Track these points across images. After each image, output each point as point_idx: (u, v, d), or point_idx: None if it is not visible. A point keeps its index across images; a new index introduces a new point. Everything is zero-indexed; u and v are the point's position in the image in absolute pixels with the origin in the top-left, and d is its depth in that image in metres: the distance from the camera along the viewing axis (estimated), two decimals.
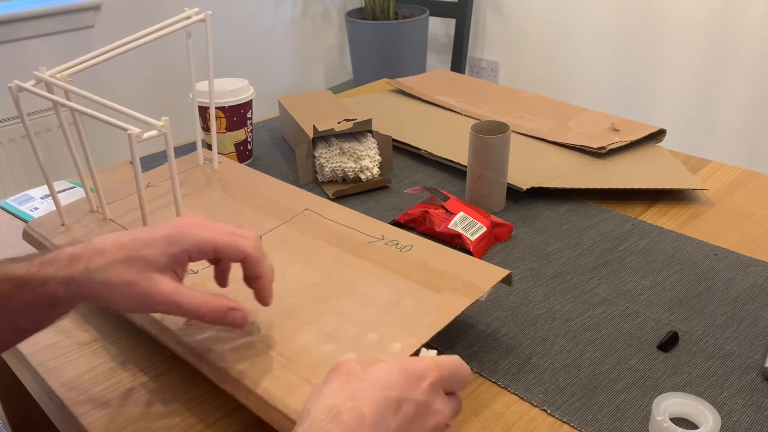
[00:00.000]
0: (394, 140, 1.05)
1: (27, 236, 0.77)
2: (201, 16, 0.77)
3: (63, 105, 0.65)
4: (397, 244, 0.68)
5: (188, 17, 0.76)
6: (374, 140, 0.97)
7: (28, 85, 0.67)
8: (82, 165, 0.75)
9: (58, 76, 0.67)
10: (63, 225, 0.76)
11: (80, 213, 0.78)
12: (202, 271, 0.65)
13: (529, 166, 0.95)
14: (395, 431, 0.41)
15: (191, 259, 0.52)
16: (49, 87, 0.67)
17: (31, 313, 0.48)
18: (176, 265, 0.51)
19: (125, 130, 0.58)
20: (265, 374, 0.53)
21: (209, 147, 1.02)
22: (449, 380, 0.45)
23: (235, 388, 0.54)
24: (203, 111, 1.00)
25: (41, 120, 2.09)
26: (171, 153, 0.63)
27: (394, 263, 0.66)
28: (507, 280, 0.64)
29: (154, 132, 0.58)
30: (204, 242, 0.51)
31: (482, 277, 0.63)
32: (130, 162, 1.07)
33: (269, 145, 1.13)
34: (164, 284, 0.49)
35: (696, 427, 0.54)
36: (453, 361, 0.46)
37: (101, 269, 0.47)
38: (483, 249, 0.80)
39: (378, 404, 0.40)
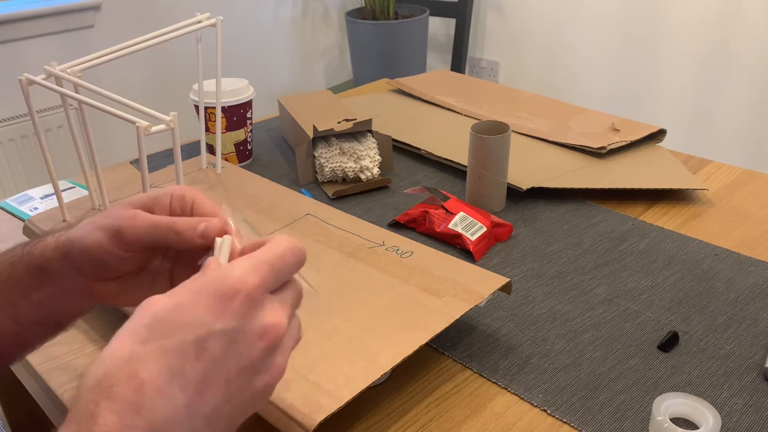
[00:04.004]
0: (394, 140, 1.04)
1: (28, 231, 0.77)
2: (212, 21, 0.77)
3: (73, 98, 0.66)
4: (398, 249, 0.69)
5: (199, 21, 0.76)
6: (374, 140, 0.97)
7: (39, 78, 0.67)
8: (87, 161, 0.75)
9: (69, 71, 0.67)
10: (65, 221, 0.76)
11: (82, 210, 0.79)
12: None
13: (529, 166, 0.95)
14: (201, 382, 0.32)
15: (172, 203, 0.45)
16: (59, 82, 0.67)
17: (26, 292, 0.45)
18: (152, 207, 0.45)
19: (133, 122, 0.58)
20: None
21: (208, 147, 1.02)
22: (276, 274, 0.35)
23: None
24: (204, 111, 1.00)
25: (41, 120, 2.09)
26: (177, 148, 0.63)
27: (395, 268, 0.66)
28: (507, 288, 0.64)
29: (162, 126, 0.59)
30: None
31: (482, 283, 0.63)
32: (131, 162, 1.07)
33: (269, 145, 1.13)
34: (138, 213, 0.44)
35: (696, 427, 0.54)
36: (276, 246, 0.36)
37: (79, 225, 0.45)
38: (483, 249, 0.80)
39: (165, 359, 0.31)
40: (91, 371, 0.31)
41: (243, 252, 0.39)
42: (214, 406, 0.33)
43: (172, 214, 0.44)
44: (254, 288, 0.34)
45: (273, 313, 0.34)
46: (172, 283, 0.46)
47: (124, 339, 0.32)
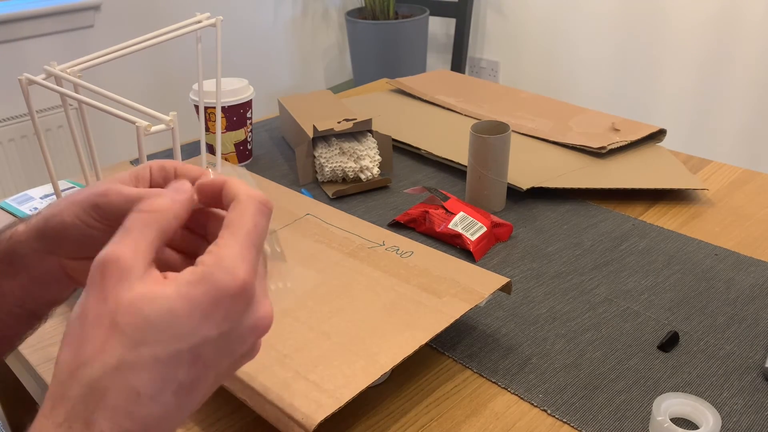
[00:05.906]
0: (394, 140, 1.04)
1: None
2: (212, 20, 0.77)
3: (73, 98, 0.65)
4: (398, 249, 0.69)
5: (199, 21, 0.76)
6: (374, 140, 0.97)
7: (39, 78, 0.67)
8: (87, 162, 0.75)
9: (69, 71, 0.67)
10: None
11: None
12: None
13: (529, 166, 0.95)
14: (192, 383, 0.32)
15: (152, 175, 0.44)
16: (59, 82, 0.67)
17: None
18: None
19: (133, 122, 0.58)
20: (261, 369, 0.53)
21: (208, 147, 1.02)
22: (258, 250, 0.34)
23: (230, 381, 0.54)
24: (204, 111, 1.00)
25: (41, 120, 2.09)
26: (177, 148, 0.63)
27: (395, 268, 0.66)
28: (507, 288, 0.64)
29: (162, 126, 0.59)
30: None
31: (482, 283, 0.63)
32: (131, 162, 1.07)
33: (269, 145, 1.13)
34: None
35: (696, 427, 0.54)
36: (247, 214, 0.34)
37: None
38: (483, 249, 0.80)
39: (158, 368, 0.31)
40: (78, 373, 0.31)
41: (201, 190, 0.37)
42: (202, 397, 0.34)
43: (153, 185, 0.42)
44: (249, 283, 0.32)
45: (264, 303, 0.34)
46: None
47: (109, 337, 0.31)
